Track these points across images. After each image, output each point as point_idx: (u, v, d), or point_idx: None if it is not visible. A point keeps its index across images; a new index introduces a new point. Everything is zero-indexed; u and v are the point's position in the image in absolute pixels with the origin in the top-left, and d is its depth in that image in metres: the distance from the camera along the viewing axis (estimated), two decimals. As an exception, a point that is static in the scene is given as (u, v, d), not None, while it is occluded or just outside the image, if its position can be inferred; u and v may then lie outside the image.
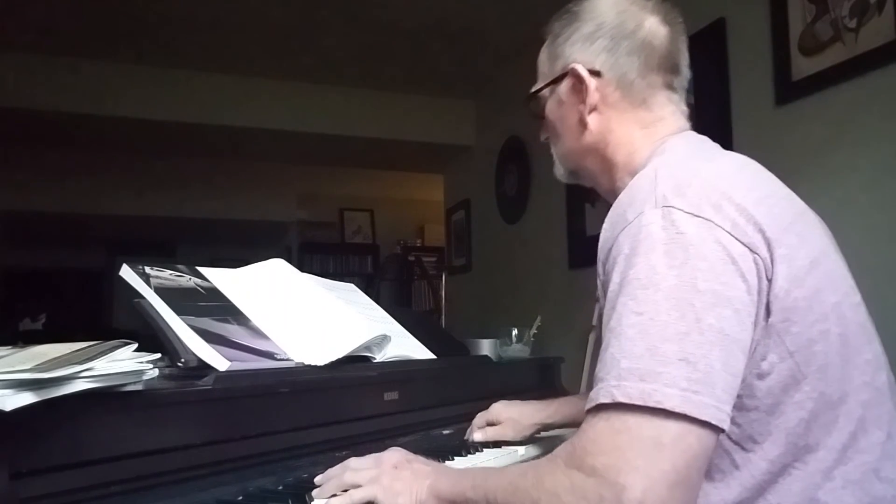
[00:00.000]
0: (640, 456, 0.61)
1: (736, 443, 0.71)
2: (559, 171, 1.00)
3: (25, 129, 3.70)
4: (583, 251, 2.84)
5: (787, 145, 1.85)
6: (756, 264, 0.68)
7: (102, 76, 3.33)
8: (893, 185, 1.57)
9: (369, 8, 2.91)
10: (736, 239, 0.68)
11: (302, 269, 1.26)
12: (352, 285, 1.41)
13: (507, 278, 3.57)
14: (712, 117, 2.07)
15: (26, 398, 0.61)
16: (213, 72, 3.51)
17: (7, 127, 3.55)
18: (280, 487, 0.89)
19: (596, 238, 0.77)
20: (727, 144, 2.00)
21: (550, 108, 0.95)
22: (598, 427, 0.64)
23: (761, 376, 0.69)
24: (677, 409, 0.61)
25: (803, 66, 1.79)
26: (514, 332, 1.88)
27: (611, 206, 0.79)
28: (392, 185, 5.79)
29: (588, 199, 2.82)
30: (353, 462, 0.86)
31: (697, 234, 0.67)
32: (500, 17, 3.00)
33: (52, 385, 0.63)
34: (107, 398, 0.71)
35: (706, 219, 0.68)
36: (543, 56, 0.96)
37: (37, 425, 0.65)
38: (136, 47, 3.22)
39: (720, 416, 0.63)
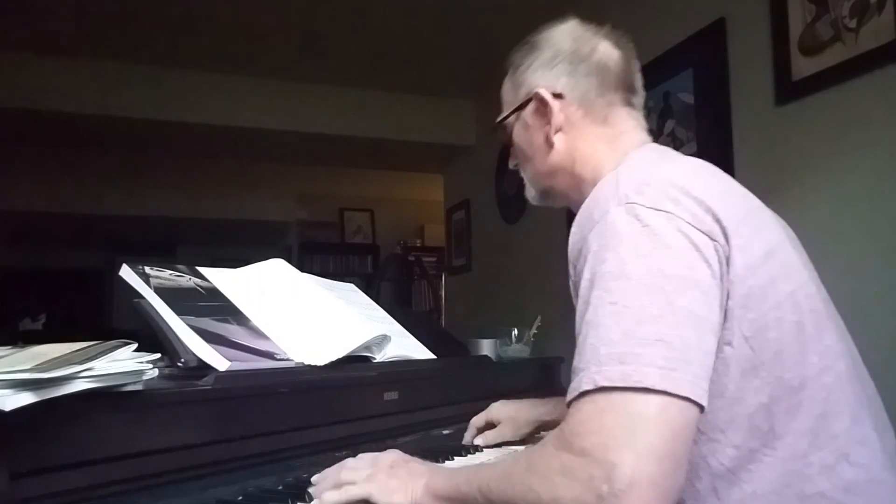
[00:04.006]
0: (627, 432, 0.62)
1: (703, 433, 0.73)
2: (530, 194, 1.05)
3: (25, 129, 3.69)
4: (583, 251, 2.81)
5: (787, 145, 1.84)
6: (717, 251, 0.72)
7: (102, 76, 3.32)
8: (894, 184, 1.57)
9: (369, 8, 2.91)
10: (696, 228, 0.72)
11: (302, 269, 1.26)
12: (352, 285, 1.41)
13: (507, 278, 3.56)
14: (712, 117, 2.07)
15: (26, 398, 0.61)
16: (213, 72, 3.50)
17: (7, 127, 3.54)
18: (280, 487, 0.89)
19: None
20: (727, 144, 2.01)
21: (517, 133, 1.01)
22: (585, 409, 0.66)
23: (725, 362, 0.72)
24: (657, 387, 0.63)
25: (803, 66, 1.79)
26: (514, 332, 1.88)
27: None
28: (392, 185, 5.79)
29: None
30: (350, 461, 0.88)
31: (661, 224, 0.71)
32: (501, 17, 3.00)
33: (52, 385, 0.64)
34: (107, 398, 0.71)
35: (667, 211, 0.72)
36: (507, 86, 1.02)
37: (37, 425, 0.65)
38: (136, 47, 3.21)
39: (698, 391, 0.65)
